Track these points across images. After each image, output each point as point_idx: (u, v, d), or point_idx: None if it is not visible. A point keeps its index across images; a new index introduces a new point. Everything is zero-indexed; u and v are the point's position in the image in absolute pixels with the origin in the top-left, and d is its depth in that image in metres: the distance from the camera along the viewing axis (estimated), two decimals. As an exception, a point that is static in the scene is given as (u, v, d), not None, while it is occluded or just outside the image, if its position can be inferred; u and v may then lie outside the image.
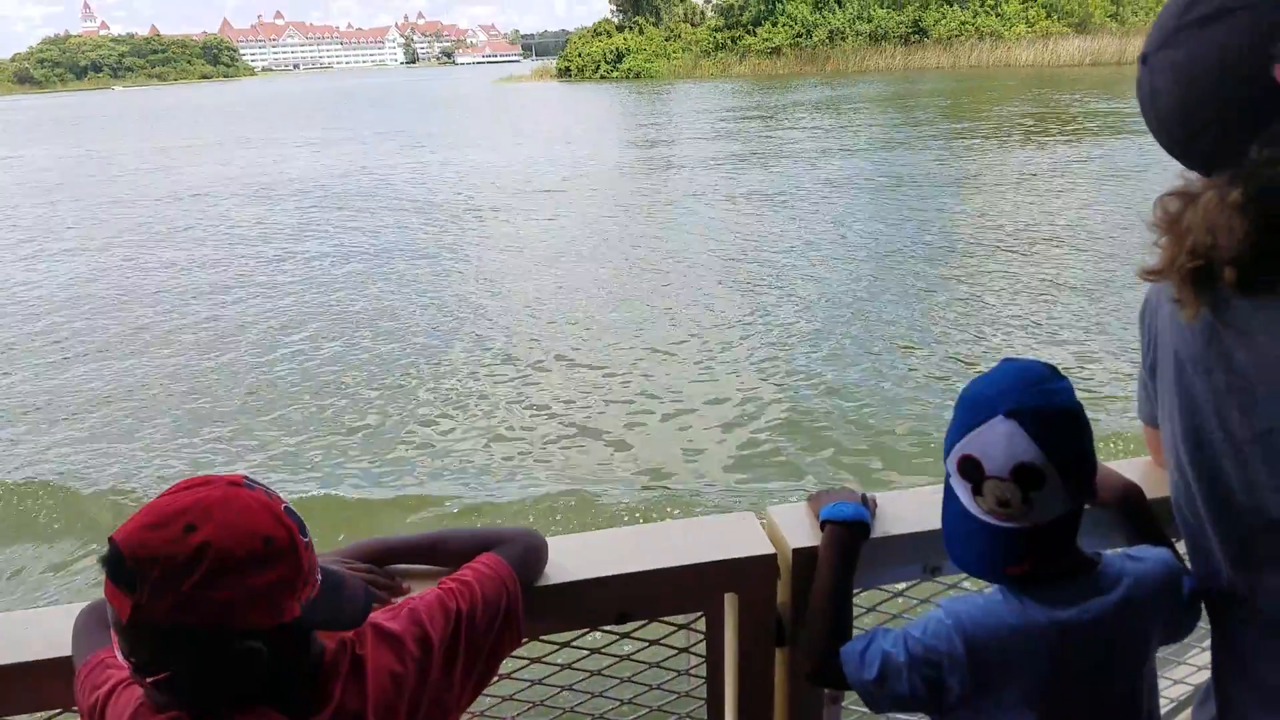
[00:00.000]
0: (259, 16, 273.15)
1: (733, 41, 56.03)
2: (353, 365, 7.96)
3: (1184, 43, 1.00)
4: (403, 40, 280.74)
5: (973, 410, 1.07)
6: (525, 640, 1.22)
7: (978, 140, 20.25)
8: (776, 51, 53.41)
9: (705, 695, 1.44)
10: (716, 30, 58.00)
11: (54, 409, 7.23)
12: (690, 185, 16.76)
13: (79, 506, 5.65)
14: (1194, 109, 1.00)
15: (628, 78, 57.36)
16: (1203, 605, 1.18)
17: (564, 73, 63.96)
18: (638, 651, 1.42)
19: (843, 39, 52.38)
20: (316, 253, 12.69)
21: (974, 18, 50.22)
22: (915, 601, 1.49)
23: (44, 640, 1.18)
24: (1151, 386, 1.20)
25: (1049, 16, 49.34)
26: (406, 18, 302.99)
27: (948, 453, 1.10)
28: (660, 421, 6.46)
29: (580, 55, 62.71)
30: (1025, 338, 7.77)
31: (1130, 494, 1.32)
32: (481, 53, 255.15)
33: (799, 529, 1.34)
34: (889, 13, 52.35)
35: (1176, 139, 1.03)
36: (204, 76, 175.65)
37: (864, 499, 1.34)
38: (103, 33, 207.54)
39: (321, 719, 0.96)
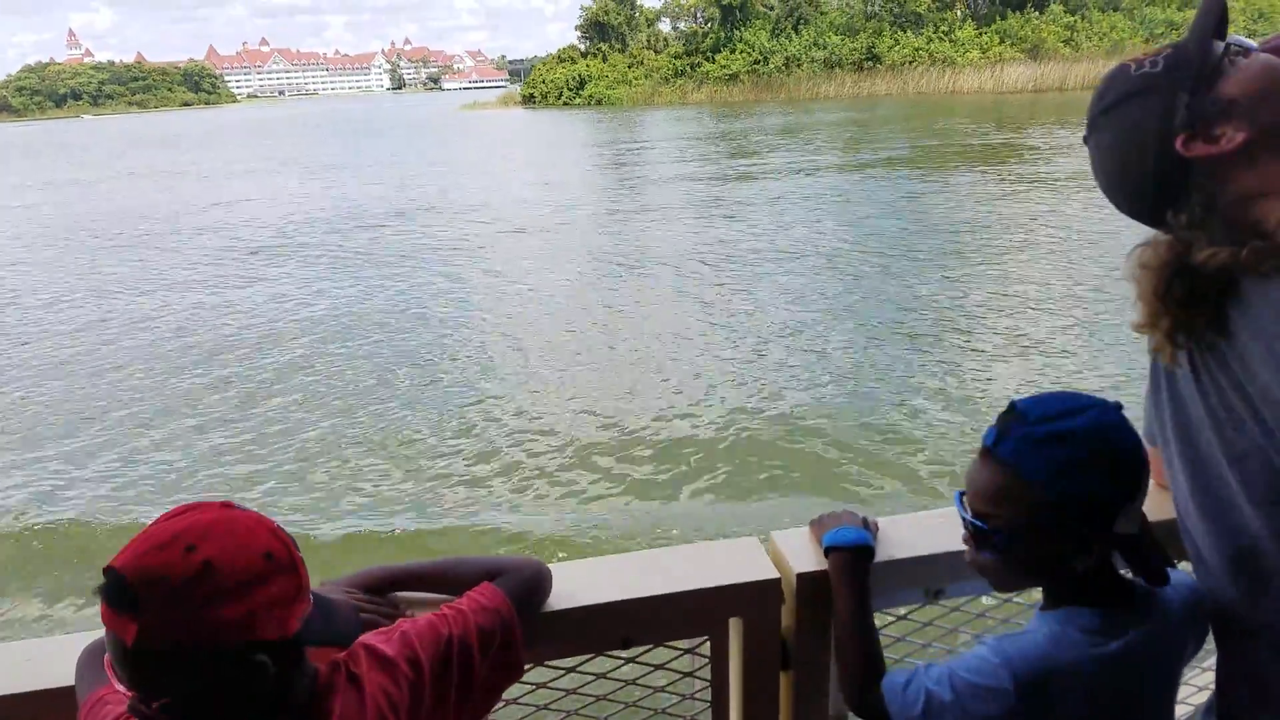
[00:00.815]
0: (244, 44, 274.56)
1: (692, 68, 56.47)
2: (342, 393, 7.93)
3: (1103, 127, 1.12)
4: (389, 66, 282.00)
5: (1126, 433, 1.05)
6: (530, 666, 1.23)
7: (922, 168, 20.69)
8: (734, 78, 53.83)
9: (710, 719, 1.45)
10: (676, 57, 58.45)
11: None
12: (670, 210, 16.82)
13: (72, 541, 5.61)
14: (1122, 183, 1.12)
15: (589, 104, 57.67)
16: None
17: (529, 99, 64.09)
18: (642, 676, 1.42)
19: (798, 66, 52.83)
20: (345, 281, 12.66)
21: (928, 43, 50.72)
22: (918, 625, 1.48)
23: (46, 670, 1.18)
24: (1153, 405, 1.23)
25: (1002, 42, 49.81)
26: (394, 44, 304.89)
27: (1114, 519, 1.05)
28: (662, 447, 6.47)
29: (544, 82, 62.90)
30: (1019, 359, 7.86)
31: None
32: (468, 78, 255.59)
33: (803, 554, 1.35)
34: (843, 39, 52.89)
35: (1121, 208, 1.15)
36: (185, 104, 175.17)
37: (865, 522, 1.34)
38: (87, 60, 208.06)
39: None
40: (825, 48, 52.87)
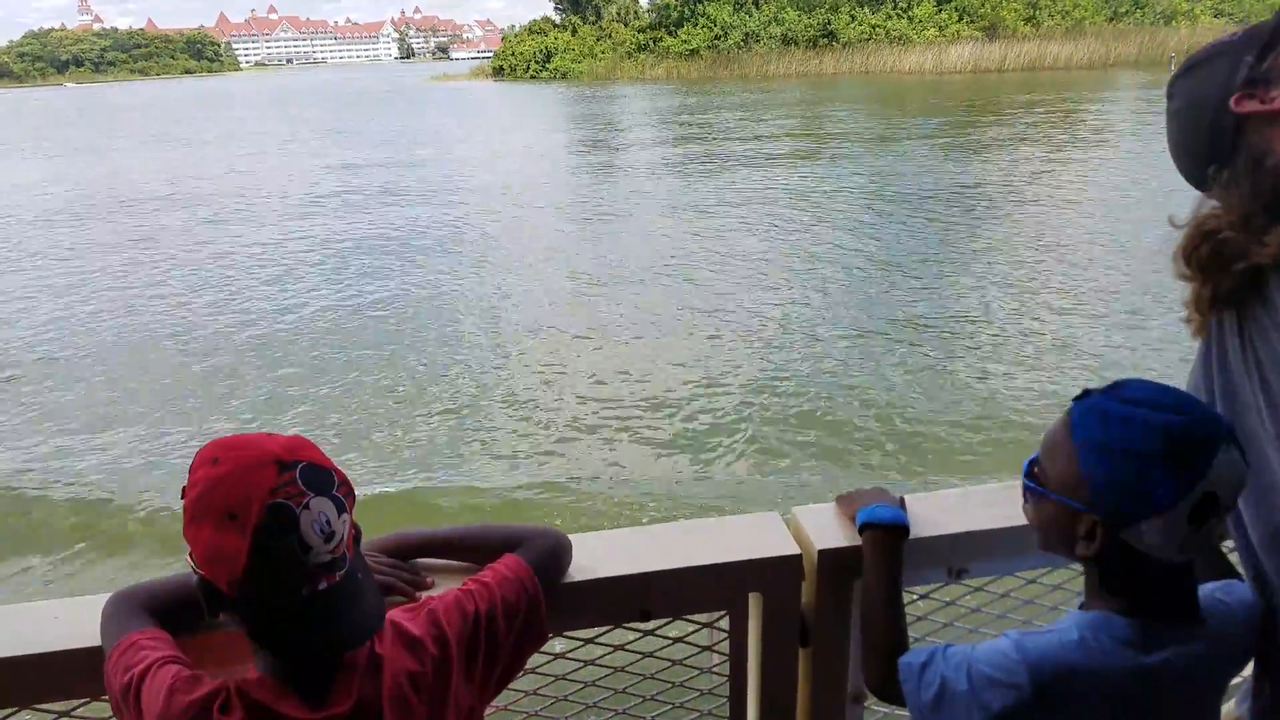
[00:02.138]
0: (252, 11, 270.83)
1: (654, 43, 55.11)
2: (361, 360, 7.94)
3: (1177, 93, 1.15)
4: (397, 35, 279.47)
5: (1193, 449, 0.95)
6: (550, 636, 1.24)
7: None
8: (694, 54, 52.27)
9: (728, 693, 1.45)
10: (640, 30, 57.18)
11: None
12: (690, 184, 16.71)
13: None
14: (1187, 146, 1.14)
15: (555, 78, 56.52)
16: None
17: (499, 71, 62.73)
18: (661, 649, 1.43)
19: (757, 41, 51.51)
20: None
21: (885, 20, 49.56)
22: (941, 604, 1.48)
23: (70, 631, 1.17)
24: (1201, 375, 1.19)
25: (960, 20, 48.63)
26: (403, 12, 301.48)
27: (1158, 507, 0.96)
28: (684, 422, 6.46)
29: (514, 54, 61.55)
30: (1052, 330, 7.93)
31: None
32: (477, 48, 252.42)
33: (825, 530, 1.34)
34: (799, 15, 51.60)
35: (1188, 176, 1.15)
36: (187, 71, 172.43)
37: (901, 501, 1.33)
38: (96, 26, 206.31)
39: (338, 710, 0.98)
40: (782, 24, 51.61)
